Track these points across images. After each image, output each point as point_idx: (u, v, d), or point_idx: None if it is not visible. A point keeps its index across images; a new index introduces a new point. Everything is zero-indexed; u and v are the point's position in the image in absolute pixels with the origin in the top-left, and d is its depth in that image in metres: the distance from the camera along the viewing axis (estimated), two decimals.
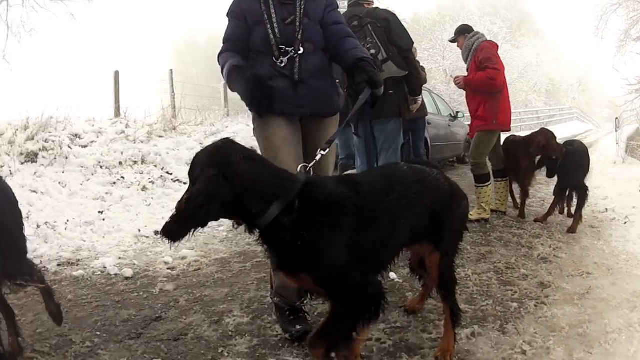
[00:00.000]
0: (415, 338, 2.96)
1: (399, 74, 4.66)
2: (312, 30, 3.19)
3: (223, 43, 3.27)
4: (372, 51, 4.54)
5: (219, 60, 3.18)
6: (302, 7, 3.18)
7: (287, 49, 3.12)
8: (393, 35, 4.64)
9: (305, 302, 3.11)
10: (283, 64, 3.12)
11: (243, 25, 3.21)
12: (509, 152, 6.38)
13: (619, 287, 3.74)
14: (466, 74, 6.23)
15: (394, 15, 4.78)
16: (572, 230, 5.45)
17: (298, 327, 2.97)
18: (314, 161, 2.47)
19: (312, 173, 2.41)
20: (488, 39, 6.25)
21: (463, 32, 6.23)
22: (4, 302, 2.79)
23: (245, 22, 3.20)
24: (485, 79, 5.74)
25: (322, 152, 2.64)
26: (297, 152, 3.14)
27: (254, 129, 3.22)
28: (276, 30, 3.13)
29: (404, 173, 2.56)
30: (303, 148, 3.19)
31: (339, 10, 3.41)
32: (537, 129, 6.79)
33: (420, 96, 5.21)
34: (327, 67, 3.29)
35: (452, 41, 6.50)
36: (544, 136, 6.05)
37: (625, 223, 5.76)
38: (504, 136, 6.45)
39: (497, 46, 6.16)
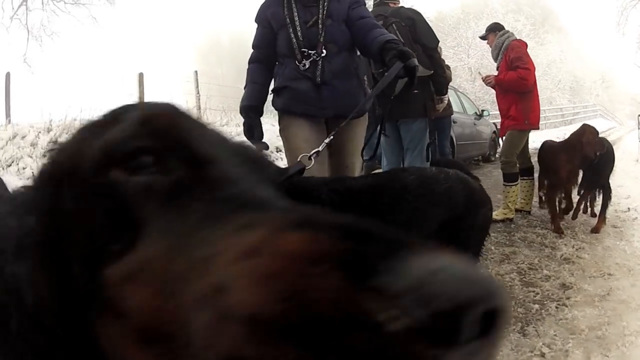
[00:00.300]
0: None
1: (424, 73, 4.63)
2: (335, 31, 3.21)
3: (252, 48, 3.43)
4: None
5: (248, 67, 3.42)
6: (325, 8, 3.20)
7: (309, 51, 3.18)
8: (418, 34, 4.62)
9: None
10: (306, 67, 3.18)
11: (268, 32, 3.32)
12: (548, 158, 5.83)
13: (639, 288, 3.74)
14: (494, 72, 6.24)
15: (418, 13, 4.77)
16: (596, 230, 5.40)
17: None
18: (315, 150, 2.28)
19: (312, 162, 2.20)
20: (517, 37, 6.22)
21: (494, 30, 6.22)
22: None
23: (271, 28, 3.29)
24: (516, 78, 5.73)
25: (326, 141, 2.57)
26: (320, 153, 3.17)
27: (279, 130, 3.35)
28: (299, 34, 3.18)
29: (406, 183, 2.38)
30: (329, 149, 3.14)
31: (365, 6, 3.43)
32: (574, 127, 6.46)
33: (447, 95, 5.20)
34: (352, 67, 3.32)
35: (482, 38, 6.49)
36: (591, 133, 5.63)
37: None
38: (532, 135, 6.37)
39: (527, 45, 6.13)
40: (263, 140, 3.31)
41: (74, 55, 39.50)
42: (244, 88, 3.39)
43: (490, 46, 6.24)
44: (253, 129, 3.28)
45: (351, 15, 3.26)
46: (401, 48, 2.89)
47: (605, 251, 4.73)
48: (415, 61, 2.87)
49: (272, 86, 3.44)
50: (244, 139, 3.16)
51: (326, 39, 3.20)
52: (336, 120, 3.18)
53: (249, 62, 3.42)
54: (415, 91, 4.59)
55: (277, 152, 8.94)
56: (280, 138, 3.42)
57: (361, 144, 3.37)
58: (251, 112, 3.31)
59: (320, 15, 3.22)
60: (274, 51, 3.34)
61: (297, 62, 3.19)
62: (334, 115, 3.19)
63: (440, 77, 4.88)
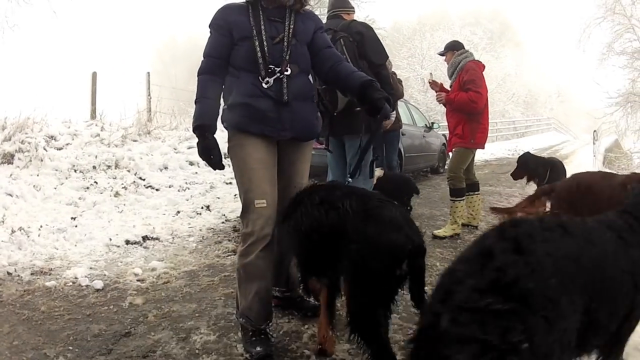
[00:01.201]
0: None
1: None
2: (298, 52, 3.18)
3: (204, 57, 3.20)
4: None
5: (198, 78, 3.16)
6: (292, 27, 3.16)
7: (275, 68, 3.09)
8: (366, 49, 4.59)
9: (270, 324, 3.13)
10: (268, 85, 3.08)
11: (226, 41, 3.14)
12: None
13: None
14: (447, 82, 6.34)
15: (369, 28, 4.72)
16: None
17: (259, 348, 2.97)
18: None
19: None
20: (475, 58, 6.30)
21: (452, 49, 6.28)
22: None
23: (230, 37, 3.12)
24: (467, 101, 5.80)
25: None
26: (273, 175, 3.15)
27: (228, 148, 3.17)
28: (265, 49, 3.07)
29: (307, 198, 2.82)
30: (278, 171, 3.20)
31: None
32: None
33: (394, 112, 5.21)
34: (311, 90, 3.30)
35: (440, 54, 6.53)
36: None
37: None
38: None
39: (484, 66, 6.21)
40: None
41: (30, 50, 38.51)
42: (195, 102, 3.12)
43: (447, 64, 6.30)
44: (210, 150, 3.05)
45: (317, 41, 3.27)
46: (386, 94, 3.19)
47: None
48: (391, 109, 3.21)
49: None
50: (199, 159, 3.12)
51: (291, 58, 3.14)
52: (289, 142, 3.22)
53: (200, 73, 3.17)
54: (357, 109, 4.62)
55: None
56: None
57: (308, 165, 3.42)
58: (207, 131, 3.06)
59: (286, 33, 3.15)
60: (227, 62, 3.17)
61: (260, 78, 3.07)
62: (291, 137, 3.17)
63: (388, 93, 4.92)
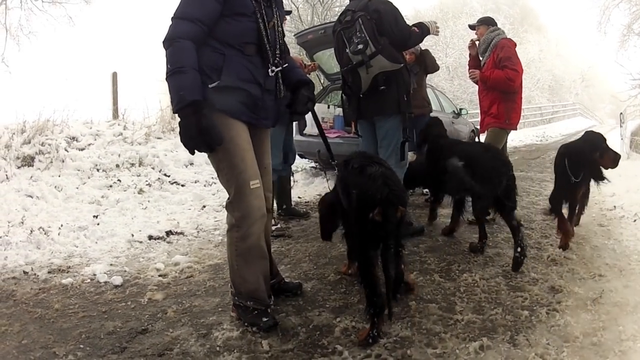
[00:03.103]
0: (419, 353, 2.73)
1: (392, 67, 4.50)
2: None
3: (183, 19, 2.78)
4: (360, 46, 4.42)
5: (175, 42, 2.73)
6: (277, 12, 3.08)
7: (278, 59, 3.01)
8: (385, 27, 4.47)
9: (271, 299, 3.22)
10: (273, 73, 3.00)
11: (218, 7, 2.83)
12: None
13: (633, 289, 3.54)
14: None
15: (387, 4, 4.58)
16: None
17: (265, 319, 2.97)
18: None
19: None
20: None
21: (486, 23, 6.06)
22: None
23: (222, 4, 2.82)
24: (503, 78, 5.60)
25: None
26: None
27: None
28: (268, 32, 2.94)
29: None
30: None
31: None
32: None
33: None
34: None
35: (471, 27, 6.26)
36: None
37: (635, 221, 5.51)
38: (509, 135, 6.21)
39: (516, 44, 5.97)
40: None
41: (49, 55, 38.93)
42: (175, 72, 2.69)
43: (479, 38, 6.06)
44: (209, 130, 2.67)
45: None
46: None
47: (593, 251, 4.52)
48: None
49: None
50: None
51: (283, 46, 3.08)
52: (259, 128, 3.13)
53: (179, 37, 2.73)
54: (382, 87, 4.45)
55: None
56: None
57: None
58: (203, 108, 2.68)
59: (275, 17, 3.04)
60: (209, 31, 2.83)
61: (269, 64, 2.97)
62: (272, 125, 3.21)
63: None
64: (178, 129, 2.72)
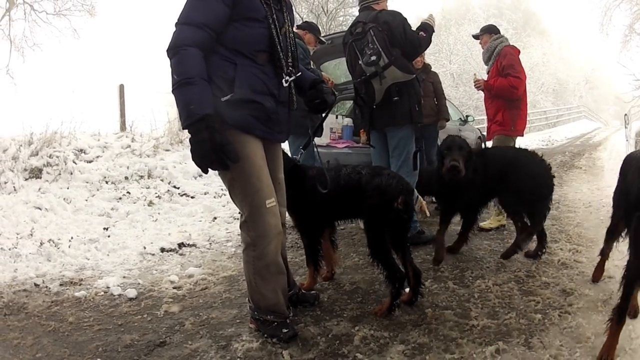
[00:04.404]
0: (438, 359, 2.75)
1: (404, 78, 4.53)
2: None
3: (190, 25, 2.59)
4: (373, 58, 4.41)
5: (181, 50, 2.53)
6: (288, 17, 2.96)
7: (290, 67, 2.87)
8: (395, 39, 4.50)
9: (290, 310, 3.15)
10: (287, 84, 2.86)
11: (228, 12, 2.65)
12: None
13: None
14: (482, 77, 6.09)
15: (395, 15, 4.61)
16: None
17: (285, 330, 2.94)
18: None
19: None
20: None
21: (489, 31, 6.09)
22: None
23: (231, 9, 2.65)
24: (507, 86, 5.60)
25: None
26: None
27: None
28: (280, 40, 2.79)
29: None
30: None
31: None
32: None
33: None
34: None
35: (475, 37, 6.32)
36: None
37: None
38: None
39: (519, 51, 5.98)
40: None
41: (54, 67, 39.12)
42: (184, 84, 2.50)
43: (483, 47, 6.08)
44: (224, 147, 2.50)
45: None
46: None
47: None
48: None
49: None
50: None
51: (295, 53, 2.95)
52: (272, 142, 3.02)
53: (182, 45, 2.54)
54: (395, 98, 4.47)
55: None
56: None
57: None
58: (215, 122, 2.50)
59: (286, 22, 2.91)
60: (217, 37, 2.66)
61: (282, 73, 2.82)
62: (285, 139, 3.11)
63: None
64: (188, 143, 2.62)
